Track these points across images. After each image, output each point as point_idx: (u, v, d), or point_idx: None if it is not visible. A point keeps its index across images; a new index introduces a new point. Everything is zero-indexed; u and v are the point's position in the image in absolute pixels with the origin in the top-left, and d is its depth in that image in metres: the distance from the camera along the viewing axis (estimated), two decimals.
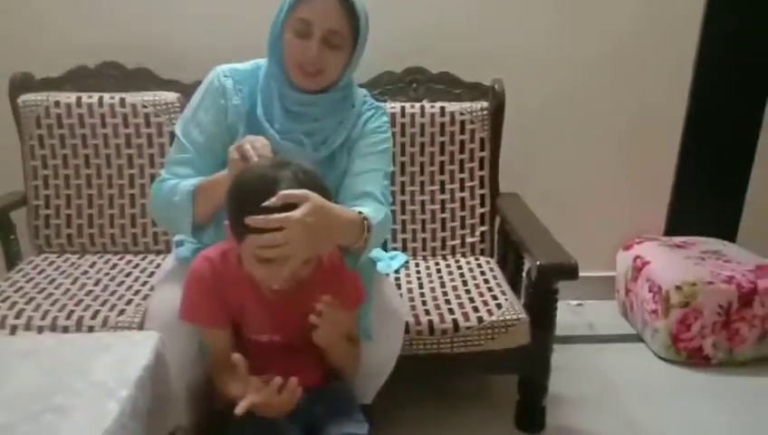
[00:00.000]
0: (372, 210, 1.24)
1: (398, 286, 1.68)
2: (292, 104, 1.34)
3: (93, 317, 1.50)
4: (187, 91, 1.72)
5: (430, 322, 1.53)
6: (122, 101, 1.84)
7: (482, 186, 1.92)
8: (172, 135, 1.53)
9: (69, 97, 1.84)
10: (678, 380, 1.92)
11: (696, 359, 1.97)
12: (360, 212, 1.20)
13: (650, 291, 2.05)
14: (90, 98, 1.84)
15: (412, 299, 1.62)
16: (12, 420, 0.86)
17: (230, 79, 1.36)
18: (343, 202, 1.28)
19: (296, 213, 0.99)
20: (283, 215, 0.99)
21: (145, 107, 1.83)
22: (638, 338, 2.13)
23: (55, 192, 1.87)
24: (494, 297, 1.63)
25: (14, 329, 1.47)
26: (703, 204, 2.32)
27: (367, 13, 1.32)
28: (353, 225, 1.17)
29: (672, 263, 2.07)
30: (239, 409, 1.03)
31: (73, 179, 1.86)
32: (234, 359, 1.08)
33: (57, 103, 1.83)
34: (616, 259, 2.30)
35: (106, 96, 1.84)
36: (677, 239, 2.25)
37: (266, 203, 0.99)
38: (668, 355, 2.00)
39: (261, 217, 0.99)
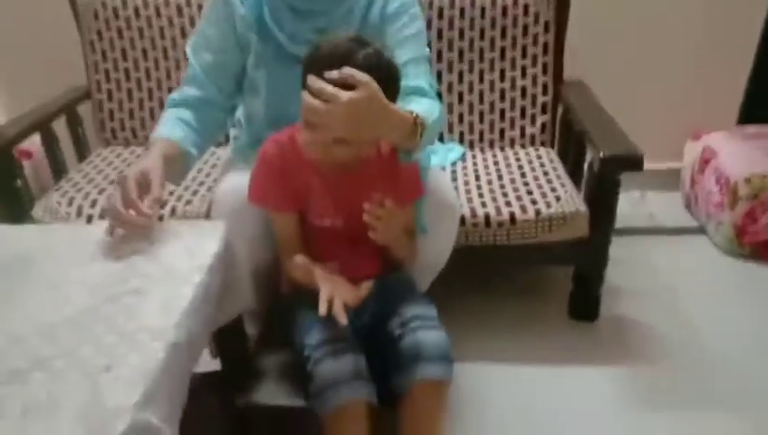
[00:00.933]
0: (425, 108, 1.19)
1: (455, 179, 1.68)
2: (299, 3, 1.29)
3: (162, 207, 1.56)
4: None
5: (487, 214, 1.53)
6: None
7: (545, 72, 1.84)
8: None
9: None
10: (740, 274, 1.88)
11: (760, 254, 1.92)
12: (413, 113, 1.15)
13: (717, 183, 1.97)
14: None
15: (468, 192, 1.62)
16: (95, 302, 0.93)
17: None
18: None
19: (346, 95, 1.00)
20: (335, 90, 1.00)
21: None
22: (700, 231, 2.08)
23: (117, 85, 1.90)
24: (553, 189, 1.60)
25: (89, 218, 1.56)
26: None
27: None
28: (405, 124, 1.13)
29: (742, 153, 1.97)
30: (322, 309, 1.05)
31: (133, 72, 1.89)
32: (296, 260, 1.12)
33: None
34: (683, 150, 2.21)
35: None
36: (751, 129, 2.12)
37: (328, 74, 1.01)
38: (731, 249, 1.95)
39: (319, 83, 1.01)
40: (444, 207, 1.34)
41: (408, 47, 1.30)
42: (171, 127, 1.28)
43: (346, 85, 1.01)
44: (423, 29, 1.35)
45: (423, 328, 1.14)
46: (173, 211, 1.55)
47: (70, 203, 1.60)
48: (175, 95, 1.36)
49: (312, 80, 1.02)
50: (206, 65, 1.34)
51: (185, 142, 1.27)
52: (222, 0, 1.33)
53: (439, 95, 1.36)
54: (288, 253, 1.21)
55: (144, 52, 1.86)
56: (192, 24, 1.82)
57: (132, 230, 1.08)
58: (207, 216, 1.46)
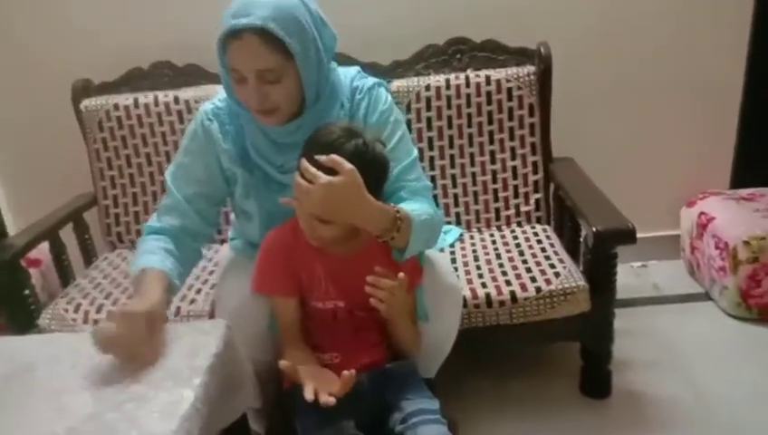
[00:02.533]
0: (415, 208, 1.22)
1: (453, 260, 1.70)
2: (280, 137, 1.29)
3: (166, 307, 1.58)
4: None
5: (487, 295, 1.53)
6: (176, 98, 1.91)
7: (534, 152, 1.89)
8: None
9: (126, 99, 1.93)
10: (750, 338, 1.86)
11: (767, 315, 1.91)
12: (396, 210, 1.18)
13: (717, 247, 1.98)
14: (145, 98, 1.92)
15: (468, 272, 1.63)
16: (100, 410, 0.94)
17: (214, 122, 1.31)
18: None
19: (325, 178, 1.09)
20: (315, 172, 1.10)
21: (197, 102, 1.89)
22: (705, 297, 2.07)
23: (122, 191, 1.97)
24: (552, 266, 1.62)
25: (95, 323, 1.57)
26: None
27: (299, 15, 1.16)
28: (383, 216, 1.15)
29: (738, 217, 1.99)
30: (308, 394, 1.06)
31: (138, 177, 1.96)
32: (281, 365, 1.10)
33: (116, 106, 1.92)
34: (680, 217, 2.23)
35: (160, 95, 1.92)
36: (744, 192, 2.16)
37: (318, 157, 1.11)
38: (739, 313, 1.93)
39: (306, 163, 1.11)
40: (445, 292, 1.35)
41: (397, 156, 1.29)
42: (162, 258, 1.24)
43: (333, 170, 1.09)
44: (406, 132, 1.35)
45: (423, 423, 1.13)
46: (177, 311, 1.57)
47: (76, 309, 1.62)
48: (155, 223, 1.32)
49: (303, 161, 1.12)
50: (189, 195, 1.32)
51: (173, 274, 1.24)
52: (203, 133, 1.32)
53: (435, 197, 1.39)
54: (289, 340, 1.24)
55: (148, 156, 1.94)
56: None
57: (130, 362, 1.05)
58: (212, 315, 1.48)
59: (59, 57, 2.06)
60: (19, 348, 1.16)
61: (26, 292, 1.65)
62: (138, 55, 1.99)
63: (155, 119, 1.92)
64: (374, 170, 1.15)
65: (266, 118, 1.24)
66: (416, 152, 1.34)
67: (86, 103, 1.95)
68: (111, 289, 1.71)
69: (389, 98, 1.35)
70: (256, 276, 1.26)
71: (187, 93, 1.92)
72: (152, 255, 1.24)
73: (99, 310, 1.61)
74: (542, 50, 1.87)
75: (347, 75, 1.35)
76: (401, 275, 1.15)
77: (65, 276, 1.86)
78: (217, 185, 1.35)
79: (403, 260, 1.21)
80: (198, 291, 1.65)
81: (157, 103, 1.91)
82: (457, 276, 1.50)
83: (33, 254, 1.82)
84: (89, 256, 1.99)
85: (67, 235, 1.92)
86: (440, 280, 1.34)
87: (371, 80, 1.36)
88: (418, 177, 1.32)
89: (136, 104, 1.92)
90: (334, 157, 1.10)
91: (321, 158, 1.10)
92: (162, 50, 1.99)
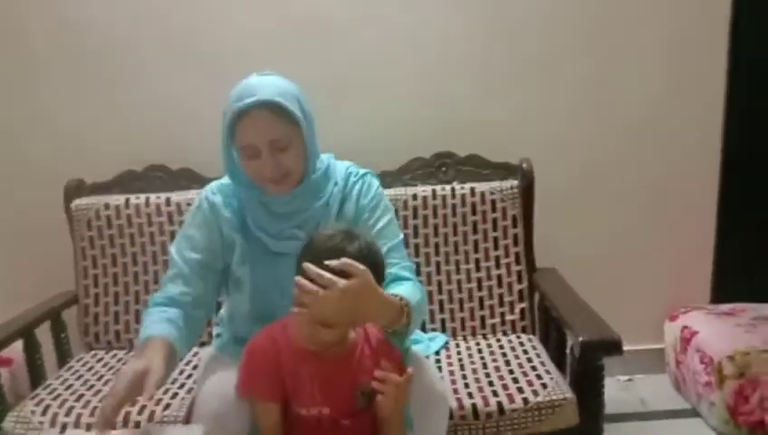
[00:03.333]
0: (409, 291, 1.30)
1: (440, 368, 1.67)
2: (278, 207, 1.39)
3: (140, 412, 1.51)
4: None
5: (474, 405, 1.50)
6: (168, 200, 1.94)
7: (518, 262, 1.92)
8: None
9: (117, 199, 1.95)
10: None
11: (757, 433, 1.87)
12: (399, 297, 1.24)
13: (702, 362, 1.97)
14: (137, 199, 1.95)
15: (454, 382, 1.60)
16: None
17: (218, 195, 1.43)
18: None
19: (342, 282, 1.09)
20: (331, 277, 1.09)
21: (189, 205, 1.90)
22: (693, 413, 2.03)
23: (104, 290, 1.94)
24: (539, 377, 1.60)
25: (64, 427, 1.50)
26: (748, 267, 2.25)
27: (297, 94, 1.33)
28: (392, 309, 1.22)
29: (721, 332, 2.00)
30: None
31: (121, 277, 1.94)
32: None
33: (107, 205, 1.94)
34: (663, 330, 2.24)
35: (152, 196, 1.95)
36: (725, 307, 2.19)
37: (329, 262, 1.10)
38: (728, 430, 1.90)
39: (316, 269, 1.10)
40: (435, 401, 1.33)
41: (386, 236, 1.41)
42: (165, 327, 1.28)
43: (342, 273, 1.10)
44: (394, 217, 1.48)
45: None
46: (151, 416, 1.50)
47: (44, 412, 1.55)
48: (158, 296, 1.37)
49: (309, 266, 1.10)
50: (193, 262, 1.39)
51: (177, 343, 1.27)
52: (207, 206, 1.43)
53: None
54: None
55: (134, 256, 1.94)
56: None
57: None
58: (187, 420, 1.42)
59: (53, 156, 2.10)
60: None
61: None
62: (132, 158, 2.04)
63: (144, 219, 1.93)
64: (377, 266, 1.18)
65: (278, 186, 1.35)
66: (401, 235, 1.45)
67: (77, 202, 1.97)
68: (84, 391, 1.64)
69: (380, 186, 1.49)
70: (242, 380, 1.23)
71: (179, 196, 1.95)
72: (154, 325, 1.29)
73: (68, 413, 1.54)
74: (525, 166, 1.95)
75: (342, 163, 1.50)
76: (410, 370, 1.17)
77: (36, 377, 1.79)
78: (219, 253, 1.41)
79: (403, 345, 1.23)
80: (174, 395, 1.59)
81: (148, 204, 1.94)
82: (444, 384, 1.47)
83: (4, 353, 1.75)
84: (63, 356, 1.93)
85: (42, 333, 1.86)
86: (429, 387, 1.32)
87: (364, 169, 1.50)
88: (404, 256, 1.43)
89: (127, 204, 1.94)
90: (346, 260, 1.11)
91: (333, 263, 1.10)
92: (157, 153, 2.04)
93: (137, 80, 2.08)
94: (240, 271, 1.41)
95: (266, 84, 1.30)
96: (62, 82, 2.08)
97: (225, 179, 1.45)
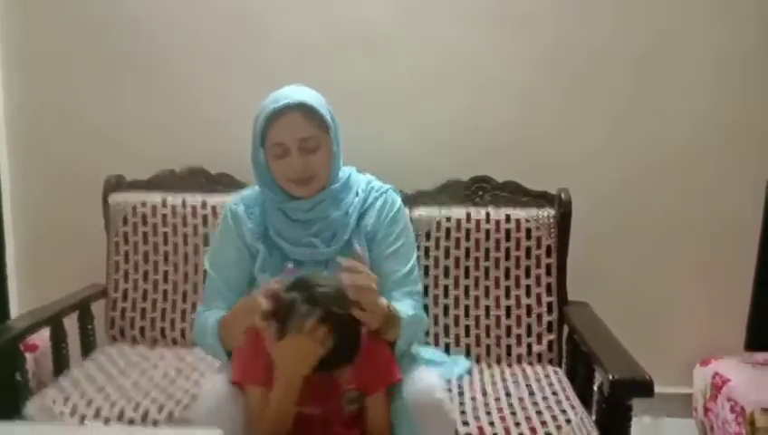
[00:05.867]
0: (404, 307, 1.37)
1: (461, 394, 1.64)
2: (297, 214, 1.45)
3: (159, 411, 1.52)
4: None
5: None
6: (204, 202, 1.95)
7: (549, 293, 1.89)
8: None
9: (155, 197, 1.98)
10: None
11: None
12: (387, 304, 1.31)
13: (732, 411, 1.90)
14: (174, 199, 1.97)
15: (476, 409, 1.57)
16: None
17: (240, 205, 1.50)
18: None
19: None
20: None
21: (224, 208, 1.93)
22: None
23: (133, 286, 1.96)
24: (564, 411, 1.55)
25: (83, 418, 1.51)
26: None
27: (325, 104, 1.43)
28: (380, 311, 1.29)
29: (756, 382, 1.93)
30: None
31: (151, 274, 1.96)
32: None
33: (144, 203, 1.97)
34: (692, 375, 2.17)
35: (189, 197, 1.97)
36: (760, 356, 2.11)
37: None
38: None
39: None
40: (431, 402, 1.32)
41: (399, 259, 1.46)
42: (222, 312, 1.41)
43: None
44: (411, 238, 1.52)
45: None
46: (170, 416, 1.51)
47: (65, 401, 1.56)
48: (205, 309, 1.46)
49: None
50: (230, 280, 1.47)
51: None
52: (231, 217, 1.50)
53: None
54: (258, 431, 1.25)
55: (166, 255, 1.95)
56: None
57: None
58: None
59: (96, 152, 2.15)
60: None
61: (18, 376, 1.61)
62: (173, 159, 2.06)
63: (179, 220, 1.95)
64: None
65: (303, 187, 1.42)
66: (414, 258, 1.50)
67: (114, 197, 2.00)
68: (105, 384, 1.65)
69: (402, 205, 1.54)
70: (233, 367, 1.31)
71: (215, 199, 1.96)
72: (217, 313, 1.41)
73: (89, 404, 1.55)
74: (563, 196, 1.92)
75: (364, 176, 1.55)
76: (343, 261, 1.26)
77: (60, 365, 1.81)
78: (247, 263, 1.47)
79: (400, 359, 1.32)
80: (194, 396, 1.58)
81: (184, 205, 1.96)
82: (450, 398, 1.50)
83: (31, 338, 1.78)
84: (88, 347, 1.94)
85: (69, 323, 1.88)
86: (428, 396, 1.32)
87: (387, 185, 1.55)
88: (412, 281, 1.47)
89: (164, 203, 1.96)
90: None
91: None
92: (198, 157, 2.06)
93: (185, 88, 2.13)
94: (261, 278, 1.44)
95: (297, 91, 1.40)
96: (133, 85, 2.15)
97: (248, 190, 1.54)
